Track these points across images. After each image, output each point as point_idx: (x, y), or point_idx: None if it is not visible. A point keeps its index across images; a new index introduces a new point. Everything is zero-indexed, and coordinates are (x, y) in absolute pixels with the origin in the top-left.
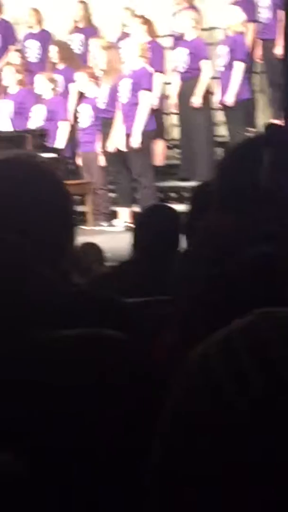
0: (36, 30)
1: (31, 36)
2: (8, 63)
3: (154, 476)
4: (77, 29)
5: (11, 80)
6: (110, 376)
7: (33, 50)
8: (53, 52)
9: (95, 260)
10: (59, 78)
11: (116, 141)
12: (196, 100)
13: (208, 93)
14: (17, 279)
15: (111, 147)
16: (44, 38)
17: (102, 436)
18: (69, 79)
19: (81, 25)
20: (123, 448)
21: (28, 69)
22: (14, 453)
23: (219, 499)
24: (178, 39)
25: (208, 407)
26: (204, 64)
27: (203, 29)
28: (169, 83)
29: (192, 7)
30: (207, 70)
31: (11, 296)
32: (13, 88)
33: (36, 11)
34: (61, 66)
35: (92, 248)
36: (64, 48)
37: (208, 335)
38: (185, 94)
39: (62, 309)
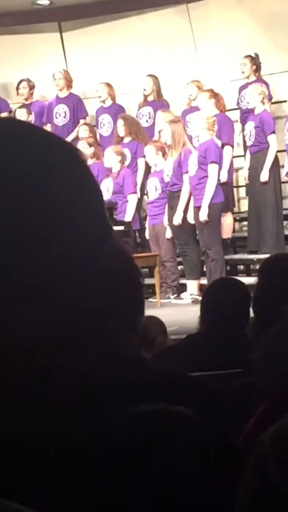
0: (108, 104)
1: (103, 110)
2: (77, 138)
3: None
4: (146, 102)
5: (85, 154)
6: (178, 454)
7: (106, 124)
8: (120, 126)
9: (159, 333)
10: (126, 152)
11: (183, 214)
12: (263, 177)
13: (277, 166)
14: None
15: (177, 220)
16: (116, 111)
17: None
18: (135, 153)
19: (150, 98)
20: None
21: (100, 143)
22: None
23: None
24: (246, 113)
25: (263, 496)
26: (270, 139)
27: (272, 103)
28: (239, 156)
29: (260, 80)
30: (273, 145)
31: (96, 372)
32: (88, 162)
33: (108, 85)
34: (127, 139)
35: (154, 321)
36: (130, 122)
37: None
38: (253, 168)
39: (134, 386)
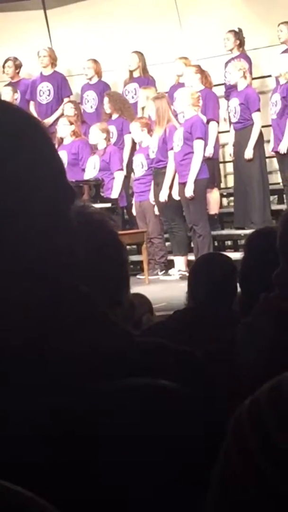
0: (94, 81)
1: (88, 86)
2: (62, 115)
3: None
4: (132, 79)
5: (65, 131)
6: (164, 428)
7: (90, 101)
8: (105, 103)
9: (146, 311)
10: (113, 129)
11: (168, 191)
12: (248, 153)
13: (262, 142)
14: (91, 329)
15: (163, 196)
16: (102, 88)
17: (156, 486)
18: (122, 129)
19: (136, 74)
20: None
21: (85, 120)
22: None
23: None
24: (230, 88)
25: (240, 468)
26: (255, 117)
27: (255, 78)
28: (224, 132)
29: (244, 56)
30: (258, 121)
31: (85, 346)
32: (68, 139)
33: (95, 62)
34: (114, 116)
35: (141, 299)
36: (116, 99)
37: None
38: (238, 144)
39: (119, 360)
